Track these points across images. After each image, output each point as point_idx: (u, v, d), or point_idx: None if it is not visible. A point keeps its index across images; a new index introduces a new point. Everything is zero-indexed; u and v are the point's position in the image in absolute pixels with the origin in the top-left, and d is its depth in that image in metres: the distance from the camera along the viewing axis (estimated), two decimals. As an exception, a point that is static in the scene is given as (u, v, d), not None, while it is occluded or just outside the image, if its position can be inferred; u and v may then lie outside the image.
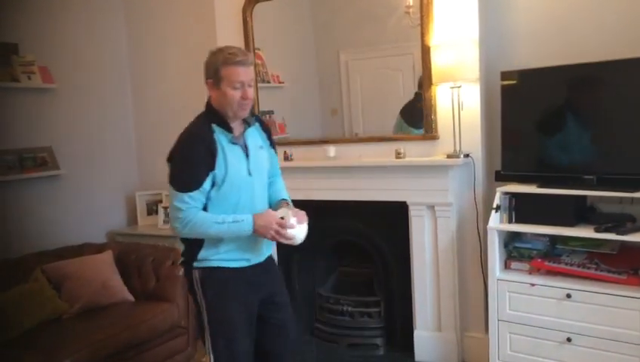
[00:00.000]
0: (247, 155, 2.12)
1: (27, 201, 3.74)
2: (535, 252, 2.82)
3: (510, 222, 2.82)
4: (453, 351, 3.16)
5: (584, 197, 2.77)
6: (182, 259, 2.19)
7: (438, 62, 2.99)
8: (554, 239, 2.83)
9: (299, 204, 3.46)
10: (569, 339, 2.61)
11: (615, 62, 2.62)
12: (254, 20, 3.62)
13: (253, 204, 2.14)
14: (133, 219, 4.43)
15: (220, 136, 2.06)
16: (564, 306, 2.62)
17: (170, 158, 2.09)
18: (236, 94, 2.03)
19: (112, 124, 4.39)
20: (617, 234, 2.51)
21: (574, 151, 2.79)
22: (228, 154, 2.05)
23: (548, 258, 2.78)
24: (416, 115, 3.20)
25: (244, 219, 2.04)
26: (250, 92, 2.06)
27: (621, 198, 2.66)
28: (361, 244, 3.50)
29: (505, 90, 2.91)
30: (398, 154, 3.13)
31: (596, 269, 2.62)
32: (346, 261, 3.79)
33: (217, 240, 2.09)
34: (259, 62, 3.71)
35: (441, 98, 3.10)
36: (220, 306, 2.10)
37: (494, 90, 2.99)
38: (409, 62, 3.27)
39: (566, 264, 2.70)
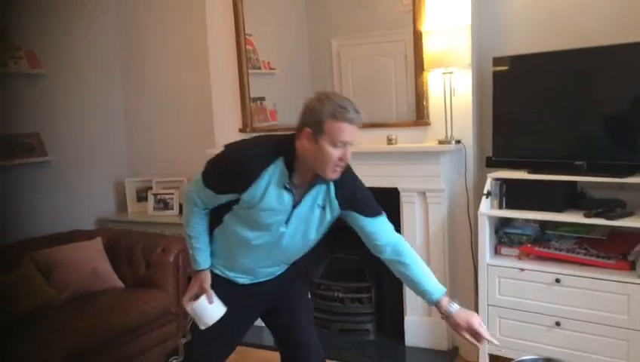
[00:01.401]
0: (294, 206, 1.84)
1: (15, 188, 3.71)
2: (525, 237, 2.84)
3: (501, 207, 2.83)
4: (443, 335, 3.19)
5: (574, 182, 2.79)
6: None
7: (430, 48, 2.99)
8: (544, 224, 2.85)
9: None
10: (558, 323, 2.64)
11: (606, 48, 2.63)
12: (245, 5, 3.59)
13: (274, 252, 1.93)
14: (122, 206, 4.40)
15: (276, 171, 1.78)
16: (554, 291, 2.64)
17: (218, 159, 1.88)
18: (335, 153, 1.72)
19: (100, 110, 4.35)
20: (607, 219, 2.53)
21: (565, 137, 2.80)
22: (270, 193, 1.79)
23: (538, 243, 2.80)
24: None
25: (198, 262, 1.95)
26: (349, 153, 1.76)
27: (611, 184, 2.68)
28: (352, 231, 3.49)
29: (497, 76, 2.92)
30: (389, 141, 3.13)
31: (585, 254, 2.65)
32: (337, 247, 3.78)
33: (222, 254, 1.98)
34: (250, 48, 3.68)
35: (433, 84, 3.10)
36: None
37: (486, 76, 3.00)
38: (401, 48, 3.26)
39: (555, 249, 2.72)
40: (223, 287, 1.97)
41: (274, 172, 1.78)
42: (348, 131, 1.72)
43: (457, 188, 3.11)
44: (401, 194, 3.18)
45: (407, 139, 3.15)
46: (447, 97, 2.99)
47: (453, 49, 2.91)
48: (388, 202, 3.19)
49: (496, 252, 2.89)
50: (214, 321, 1.93)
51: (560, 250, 2.70)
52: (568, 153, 2.75)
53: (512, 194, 2.82)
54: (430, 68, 3.03)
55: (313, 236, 1.97)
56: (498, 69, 2.91)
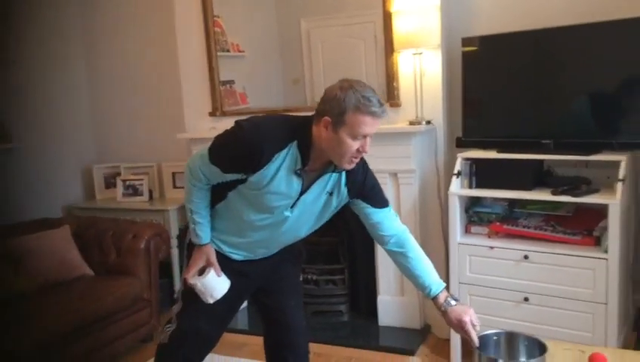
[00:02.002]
0: (301, 192, 1.79)
1: (-21, 176, 3.61)
2: (494, 216, 2.89)
3: (471, 187, 2.87)
4: (415, 314, 3.24)
5: (541, 161, 2.84)
6: None
7: (400, 28, 2.99)
8: (512, 203, 2.90)
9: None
10: (526, 299, 2.70)
11: (573, 28, 2.67)
12: (213, -14, 3.53)
13: (275, 235, 1.90)
14: (90, 193, 4.32)
15: (288, 156, 1.72)
16: (522, 267, 2.70)
17: (229, 137, 1.79)
18: (354, 145, 1.66)
19: (66, 96, 4.24)
20: (573, 196, 2.59)
21: (533, 117, 2.85)
22: (279, 177, 1.73)
23: (506, 221, 2.85)
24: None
25: (200, 237, 1.90)
26: (368, 145, 1.70)
27: (576, 162, 2.74)
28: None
29: (466, 56, 2.94)
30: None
31: (552, 231, 2.70)
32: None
33: (221, 228, 1.94)
34: (218, 30, 3.63)
35: (403, 65, 3.11)
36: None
37: (456, 56, 3.02)
38: (371, 29, 3.26)
39: (524, 227, 2.78)
40: (222, 264, 1.94)
41: (287, 156, 1.72)
42: (370, 124, 1.65)
43: (428, 169, 3.14)
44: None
45: (378, 120, 3.16)
46: (417, 78, 3.00)
47: (422, 30, 2.92)
48: (360, 183, 3.23)
49: (467, 231, 2.93)
50: (223, 294, 1.91)
51: (528, 228, 2.76)
52: (536, 132, 2.80)
53: (481, 174, 2.86)
54: (400, 49, 3.03)
55: (315, 223, 1.94)
56: (467, 49, 2.93)
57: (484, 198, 2.93)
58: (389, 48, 3.09)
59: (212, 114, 3.63)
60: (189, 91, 3.73)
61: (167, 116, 4.00)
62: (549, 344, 1.61)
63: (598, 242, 2.59)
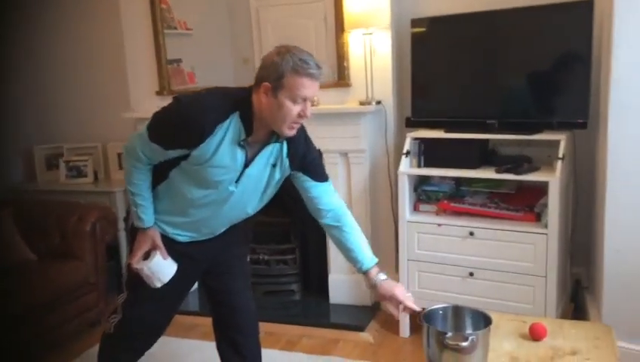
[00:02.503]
0: (246, 165, 1.79)
1: None
2: (442, 194, 2.96)
3: (419, 166, 2.93)
4: (365, 292, 3.27)
5: (486, 140, 2.92)
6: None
7: (350, 8, 2.99)
8: (459, 181, 2.99)
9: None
10: (471, 274, 2.80)
11: (518, 10, 2.75)
12: (158, -39, 3.42)
13: (220, 212, 1.87)
14: (31, 175, 4.16)
15: (231, 127, 1.71)
16: (468, 243, 2.79)
17: (168, 113, 1.76)
18: (295, 109, 1.67)
19: (3, 73, 4.04)
20: (515, 174, 2.69)
21: (479, 97, 2.93)
22: (223, 149, 1.72)
23: (453, 199, 2.93)
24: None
25: (143, 220, 1.85)
26: (309, 109, 1.71)
27: (519, 141, 2.84)
28: (277, 193, 3.50)
29: (415, 37, 2.97)
30: (312, 102, 3.12)
31: (496, 208, 2.80)
32: (262, 210, 3.78)
33: (164, 209, 1.89)
34: (164, 6, 3.52)
35: (354, 45, 3.11)
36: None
37: (405, 37, 3.05)
38: (320, 9, 3.25)
39: (469, 204, 2.86)
40: (169, 248, 1.90)
41: (229, 127, 1.71)
42: (309, 86, 1.67)
43: (378, 148, 3.18)
44: (324, 155, 3.18)
45: (328, 100, 3.17)
46: (367, 59, 3.02)
47: (372, 10, 2.94)
48: (311, 163, 3.24)
49: (415, 208, 3.00)
50: (170, 277, 1.86)
51: (474, 205, 2.85)
52: (481, 113, 2.88)
53: (429, 153, 2.92)
54: (350, 28, 3.04)
55: (261, 198, 1.94)
56: (416, 30, 2.97)
57: (432, 177, 3.00)
58: (339, 28, 3.09)
59: (159, 93, 3.54)
60: (135, 70, 3.62)
61: (112, 95, 3.88)
62: (493, 316, 1.68)
63: (538, 218, 2.70)
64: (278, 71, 1.66)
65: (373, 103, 3.04)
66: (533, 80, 2.80)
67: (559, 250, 2.62)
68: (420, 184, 3.03)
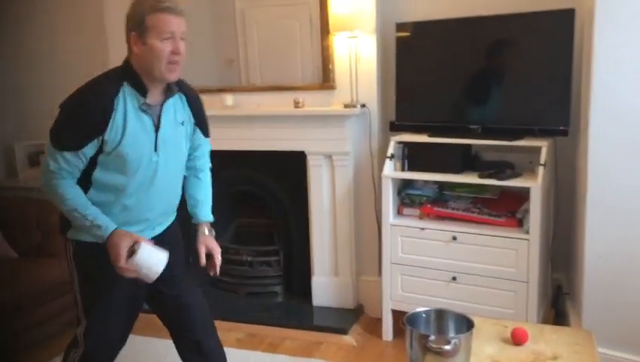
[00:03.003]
0: (156, 129, 1.82)
1: None
2: (425, 198, 2.97)
3: (403, 170, 2.95)
4: (349, 294, 3.30)
5: (469, 145, 2.95)
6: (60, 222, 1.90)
7: (336, 11, 3.00)
8: (442, 185, 3.00)
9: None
10: (454, 278, 2.81)
11: (502, 17, 2.77)
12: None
13: (155, 188, 1.86)
14: (12, 172, 4.10)
15: (128, 98, 1.76)
16: (450, 248, 2.81)
17: (64, 116, 1.77)
18: (166, 47, 1.72)
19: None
20: (498, 180, 2.71)
21: (462, 103, 2.95)
22: (131, 120, 1.75)
23: (437, 203, 2.95)
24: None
25: (102, 226, 1.76)
26: (183, 46, 1.76)
27: (502, 147, 2.86)
28: (260, 194, 3.50)
29: (400, 41, 2.99)
30: (296, 104, 3.13)
31: (479, 213, 2.82)
32: (245, 212, 3.78)
33: (104, 213, 1.81)
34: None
35: (339, 48, 3.12)
36: (93, 285, 1.89)
37: (390, 41, 3.06)
38: (306, 11, 3.25)
39: (452, 209, 2.88)
40: (97, 265, 1.82)
41: (125, 97, 1.76)
42: (171, 21, 1.73)
43: (362, 151, 3.19)
44: (308, 157, 3.21)
45: (313, 102, 3.17)
46: (352, 62, 3.02)
47: (358, 13, 2.95)
48: (295, 165, 3.25)
49: (399, 212, 3.01)
50: (165, 263, 1.78)
51: (457, 210, 2.87)
52: (465, 118, 2.90)
53: (413, 157, 2.93)
54: (335, 31, 3.04)
55: (182, 167, 2.00)
56: (401, 34, 2.98)
57: (416, 181, 3.01)
58: (324, 30, 3.10)
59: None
60: (119, 68, 3.59)
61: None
62: (475, 320, 1.69)
63: (520, 223, 2.73)
64: (138, 16, 1.73)
65: (358, 106, 3.05)
66: (515, 86, 2.83)
67: (540, 256, 2.65)
68: (403, 188, 3.04)
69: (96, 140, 1.72)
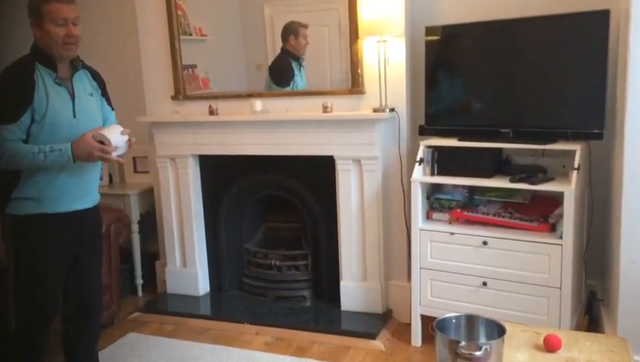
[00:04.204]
0: (72, 98, 2.17)
1: None
2: (455, 202, 2.95)
3: (432, 174, 2.92)
4: (377, 299, 3.29)
5: (500, 149, 2.91)
6: None
7: (365, 16, 3.00)
8: (472, 190, 2.97)
9: (225, 159, 3.45)
10: (484, 283, 2.78)
11: (533, 19, 2.74)
12: (174, -33, 3.45)
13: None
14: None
15: (43, 74, 2.10)
16: (481, 253, 2.77)
17: None
18: (60, 31, 2.06)
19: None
20: (530, 184, 2.66)
21: (493, 106, 2.92)
22: (50, 91, 2.10)
23: (466, 208, 2.92)
24: (282, 73, 3.39)
25: (62, 147, 2.07)
26: (76, 30, 2.10)
27: (533, 151, 2.82)
28: (289, 199, 3.52)
29: (429, 45, 2.97)
30: (325, 109, 3.14)
31: (510, 218, 2.78)
32: (274, 215, 3.80)
33: (37, 184, 2.12)
34: (180, 12, 3.56)
35: (368, 53, 3.12)
36: (33, 258, 2.17)
37: (419, 45, 3.05)
38: (335, 16, 3.25)
39: (483, 213, 2.85)
40: (47, 227, 2.15)
41: (41, 74, 2.09)
42: (63, 9, 2.06)
43: (391, 156, 3.18)
44: (337, 161, 3.21)
45: (342, 107, 3.18)
46: (381, 66, 3.02)
47: (387, 17, 2.94)
48: (324, 169, 3.25)
49: (428, 217, 2.99)
50: (121, 129, 2.20)
51: (487, 214, 2.83)
52: (495, 121, 2.87)
53: (442, 161, 2.91)
54: (365, 36, 3.04)
55: (99, 125, 2.26)
56: (430, 38, 2.97)
57: (445, 185, 2.98)
58: (353, 35, 3.10)
59: (174, 98, 3.57)
60: (151, 74, 3.66)
61: (128, 99, 3.88)
62: (507, 326, 1.67)
63: (553, 228, 2.68)
64: (35, 6, 2.07)
65: (387, 110, 3.04)
66: (548, 89, 2.78)
67: (574, 262, 2.59)
68: (432, 192, 3.02)
69: (29, 109, 2.04)
